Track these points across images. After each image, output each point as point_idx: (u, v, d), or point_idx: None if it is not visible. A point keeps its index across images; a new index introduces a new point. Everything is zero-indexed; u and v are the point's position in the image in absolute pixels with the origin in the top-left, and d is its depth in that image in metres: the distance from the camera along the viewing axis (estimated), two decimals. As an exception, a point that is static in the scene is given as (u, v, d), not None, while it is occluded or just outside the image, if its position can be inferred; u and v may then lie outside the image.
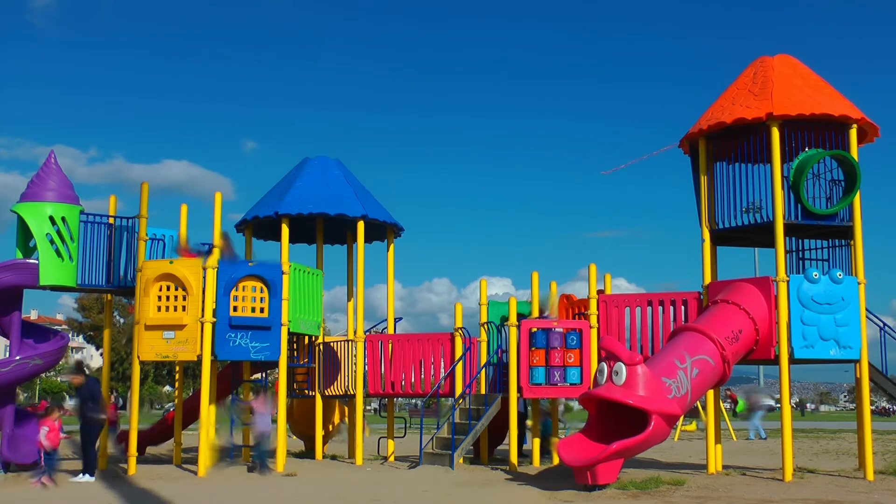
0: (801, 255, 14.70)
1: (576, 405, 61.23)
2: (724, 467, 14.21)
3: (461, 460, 14.15)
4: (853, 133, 13.44)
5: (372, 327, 17.29)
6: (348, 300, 17.28)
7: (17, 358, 13.75)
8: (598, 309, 14.26)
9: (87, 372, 14.45)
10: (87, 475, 12.80)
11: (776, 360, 12.89)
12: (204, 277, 13.47)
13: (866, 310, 13.25)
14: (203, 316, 13.33)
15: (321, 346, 16.18)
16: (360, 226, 15.82)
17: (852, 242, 13.54)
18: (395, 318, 17.10)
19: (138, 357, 13.82)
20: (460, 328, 15.31)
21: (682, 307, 13.77)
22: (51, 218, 13.80)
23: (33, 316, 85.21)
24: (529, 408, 16.17)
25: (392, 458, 16.16)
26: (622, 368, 11.32)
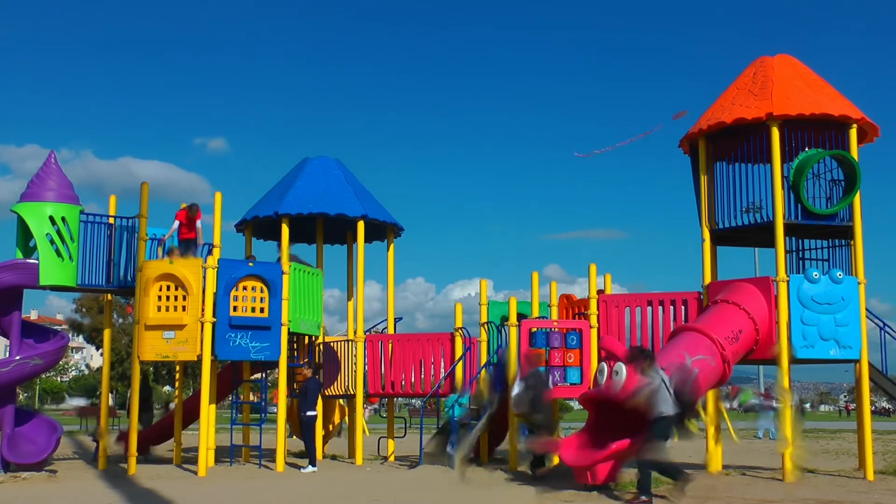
0: (801, 255, 14.70)
1: (576, 405, 61.15)
2: (724, 467, 14.20)
3: (461, 460, 14.13)
4: (853, 133, 13.45)
5: (372, 327, 17.31)
6: (348, 300, 17.28)
7: (17, 358, 13.74)
8: (598, 309, 14.26)
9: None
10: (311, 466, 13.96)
11: (776, 360, 12.89)
12: (204, 277, 13.47)
13: (866, 310, 13.25)
14: (203, 316, 13.33)
15: (321, 346, 16.18)
16: (360, 226, 15.82)
17: (852, 242, 13.54)
18: (395, 318, 17.10)
19: (138, 357, 13.82)
20: (460, 328, 15.31)
21: (682, 307, 13.77)
22: (51, 218, 13.80)
23: (33, 316, 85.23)
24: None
25: (392, 458, 16.15)
26: (622, 368, 11.32)
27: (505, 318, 14.80)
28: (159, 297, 13.47)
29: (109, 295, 16.03)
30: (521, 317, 14.52)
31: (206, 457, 13.46)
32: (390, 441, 16.71)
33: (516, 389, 12.12)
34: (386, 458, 16.28)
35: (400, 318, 17.39)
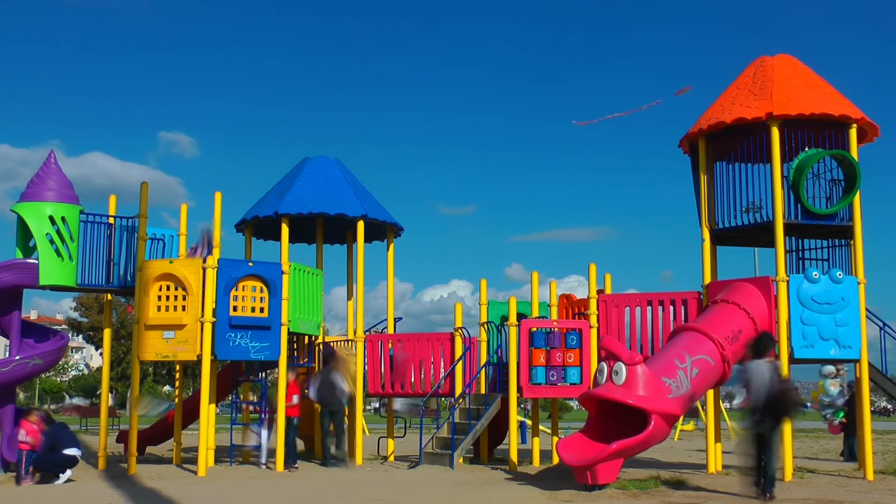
0: (801, 255, 14.71)
1: (576, 405, 61.21)
2: (724, 467, 14.20)
3: (461, 460, 14.16)
4: (853, 133, 13.45)
5: (372, 327, 17.32)
6: (348, 300, 17.30)
7: (17, 358, 13.75)
8: (598, 309, 14.27)
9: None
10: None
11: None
12: (204, 277, 13.47)
13: (866, 310, 13.26)
14: (203, 316, 13.33)
15: (321, 346, 16.18)
16: (360, 226, 15.83)
17: (852, 242, 13.55)
18: (395, 318, 17.11)
19: (138, 357, 13.82)
20: (460, 328, 15.32)
21: (682, 307, 13.78)
22: (51, 218, 13.81)
23: (33, 316, 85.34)
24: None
25: (392, 458, 16.16)
26: (622, 368, 11.32)
27: (505, 318, 14.81)
28: (159, 297, 13.47)
29: (109, 295, 16.04)
30: (520, 317, 14.53)
31: (206, 457, 13.47)
32: (390, 441, 16.72)
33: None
34: (386, 458, 16.28)
35: (400, 318, 17.41)
